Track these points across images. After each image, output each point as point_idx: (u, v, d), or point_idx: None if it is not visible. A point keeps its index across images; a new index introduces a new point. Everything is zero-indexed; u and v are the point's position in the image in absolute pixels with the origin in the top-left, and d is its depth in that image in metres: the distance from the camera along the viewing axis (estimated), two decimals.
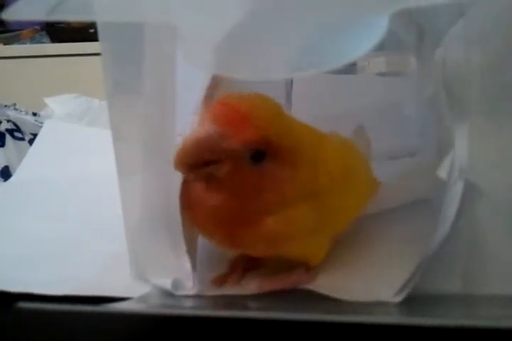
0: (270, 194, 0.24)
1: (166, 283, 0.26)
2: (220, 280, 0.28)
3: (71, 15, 0.22)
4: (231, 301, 0.26)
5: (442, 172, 0.24)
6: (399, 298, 0.24)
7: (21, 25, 1.39)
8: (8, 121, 0.57)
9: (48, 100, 0.67)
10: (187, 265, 0.27)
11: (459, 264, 0.25)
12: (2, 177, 0.51)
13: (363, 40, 0.20)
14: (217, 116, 0.22)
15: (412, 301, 0.24)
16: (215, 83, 0.26)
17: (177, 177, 0.25)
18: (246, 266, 0.28)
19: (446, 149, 0.25)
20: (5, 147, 0.55)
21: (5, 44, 1.37)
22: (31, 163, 0.50)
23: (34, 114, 0.62)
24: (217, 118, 0.22)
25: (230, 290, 0.27)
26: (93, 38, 0.24)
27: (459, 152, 0.24)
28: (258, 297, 0.26)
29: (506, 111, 0.25)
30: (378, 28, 0.20)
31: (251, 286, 0.27)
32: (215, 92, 0.27)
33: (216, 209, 0.24)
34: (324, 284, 0.27)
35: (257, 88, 0.24)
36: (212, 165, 0.23)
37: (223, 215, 0.24)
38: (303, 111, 0.40)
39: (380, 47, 0.24)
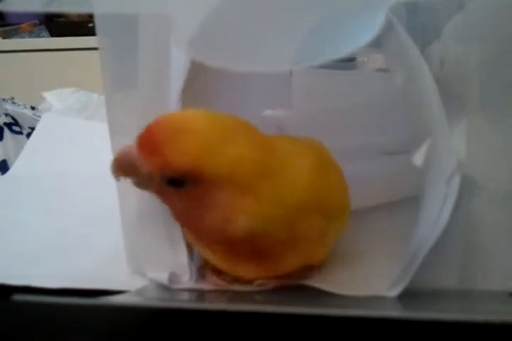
0: (212, 221, 0.23)
1: (163, 276, 0.26)
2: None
3: (67, 7, 0.21)
4: (228, 295, 0.26)
5: (418, 161, 0.24)
6: (394, 292, 0.24)
7: (20, 19, 1.39)
8: (7, 114, 0.57)
9: (46, 94, 0.67)
10: (184, 259, 0.27)
11: (457, 259, 0.25)
12: (0, 170, 0.51)
13: (361, 33, 0.20)
14: (141, 138, 0.22)
15: (410, 296, 0.24)
16: (196, 73, 0.26)
17: None
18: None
19: (420, 139, 0.25)
20: (3, 141, 0.54)
21: (4, 38, 1.37)
22: (29, 157, 0.49)
23: (32, 108, 0.62)
24: (140, 140, 0.22)
25: (230, 286, 0.27)
26: (92, 32, 0.24)
27: (457, 147, 0.24)
28: (256, 291, 0.26)
29: (504, 107, 0.25)
30: (375, 22, 0.20)
31: (255, 283, 0.27)
32: (197, 83, 0.27)
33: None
34: (323, 280, 0.27)
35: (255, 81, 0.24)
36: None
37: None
38: (303, 107, 0.40)
39: (380, 44, 0.24)
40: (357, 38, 0.20)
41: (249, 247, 0.24)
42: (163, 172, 0.22)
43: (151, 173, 0.22)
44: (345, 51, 0.20)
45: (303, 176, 0.24)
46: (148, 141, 0.22)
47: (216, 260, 0.26)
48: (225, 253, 0.25)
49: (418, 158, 0.25)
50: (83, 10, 0.22)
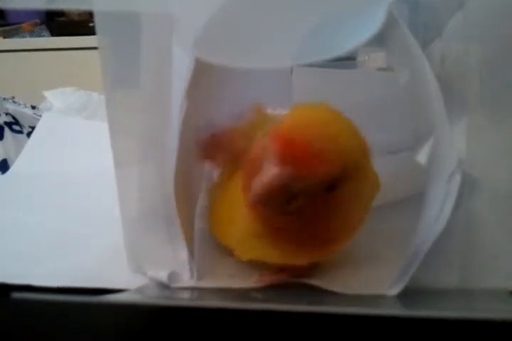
0: (338, 223, 0.24)
1: (163, 275, 0.26)
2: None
3: (68, 4, 0.21)
4: (227, 293, 0.26)
5: (421, 159, 0.25)
6: (394, 291, 0.24)
7: (21, 19, 1.39)
8: (7, 114, 0.57)
9: (47, 93, 0.67)
10: (184, 257, 0.27)
11: (457, 258, 0.25)
12: (0, 170, 0.51)
13: (361, 31, 0.20)
14: (285, 156, 0.21)
15: (410, 295, 0.24)
16: (200, 72, 0.26)
17: (173, 170, 0.25)
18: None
19: (424, 137, 0.25)
20: (3, 140, 0.54)
21: (4, 37, 1.37)
22: (29, 156, 0.49)
23: (33, 107, 0.62)
24: (287, 158, 0.21)
25: (228, 283, 0.27)
26: (93, 31, 0.24)
27: (457, 146, 0.24)
28: (257, 289, 0.26)
29: (505, 106, 0.25)
30: (376, 20, 0.20)
31: (250, 280, 0.27)
32: (201, 81, 0.27)
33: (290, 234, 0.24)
34: (323, 278, 0.27)
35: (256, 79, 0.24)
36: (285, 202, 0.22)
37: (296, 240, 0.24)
38: None
39: (380, 42, 0.24)
40: (357, 36, 0.20)
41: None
42: (327, 180, 0.22)
43: (313, 187, 0.22)
44: (345, 49, 0.20)
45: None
46: (303, 155, 0.21)
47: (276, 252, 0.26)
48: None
49: (422, 157, 0.25)
50: (83, 7, 0.22)
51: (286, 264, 0.26)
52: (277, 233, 0.24)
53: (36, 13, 1.40)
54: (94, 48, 0.24)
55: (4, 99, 0.60)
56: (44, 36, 1.39)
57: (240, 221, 0.26)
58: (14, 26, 1.38)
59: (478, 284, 0.25)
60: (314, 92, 0.42)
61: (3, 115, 0.56)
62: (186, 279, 0.27)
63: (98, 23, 0.24)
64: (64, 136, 0.51)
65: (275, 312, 0.21)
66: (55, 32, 1.38)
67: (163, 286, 0.26)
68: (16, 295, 0.20)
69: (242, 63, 0.22)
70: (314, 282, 0.26)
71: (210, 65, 0.22)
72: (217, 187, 0.31)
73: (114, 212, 0.28)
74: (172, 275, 0.26)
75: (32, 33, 1.38)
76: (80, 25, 1.30)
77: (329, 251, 0.26)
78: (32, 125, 0.56)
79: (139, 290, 0.25)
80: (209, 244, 0.30)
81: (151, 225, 0.27)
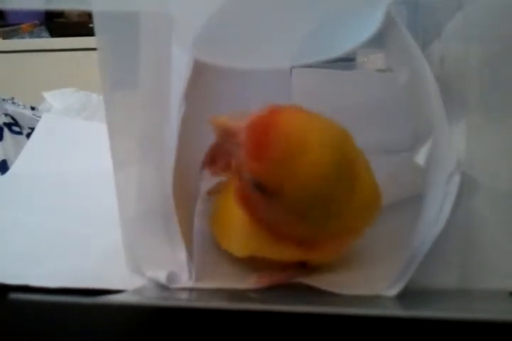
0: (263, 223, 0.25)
1: (161, 276, 0.26)
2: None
3: (67, 3, 0.21)
4: (226, 294, 0.26)
5: (420, 159, 0.25)
6: (393, 292, 0.24)
7: (21, 20, 1.39)
8: (6, 115, 0.57)
9: (46, 94, 0.67)
10: (182, 258, 0.27)
11: (457, 258, 0.25)
12: (0, 170, 0.51)
13: (359, 32, 0.20)
14: (253, 135, 0.21)
15: (409, 295, 0.24)
16: (199, 71, 0.26)
17: (172, 170, 0.25)
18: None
19: (423, 138, 0.25)
20: (3, 141, 0.54)
21: (4, 38, 1.37)
22: (29, 157, 0.49)
23: (32, 108, 0.62)
24: (252, 136, 0.21)
25: (227, 284, 0.27)
26: (92, 32, 0.24)
27: (457, 147, 0.24)
28: (255, 290, 0.26)
29: (505, 106, 0.25)
30: (374, 21, 0.20)
31: (248, 281, 0.27)
32: (200, 81, 0.27)
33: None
34: (321, 279, 0.27)
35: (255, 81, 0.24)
36: None
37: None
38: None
39: (379, 44, 0.24)
40: (356, 37, 0.20)
41: None
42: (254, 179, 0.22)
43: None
44: (344, 49, 0.20)
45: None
46: (264, 141, 0.21)
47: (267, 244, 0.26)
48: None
49: (420, 157, 0.25)
50: (82, 7, 0.22)
51: (283, 261, 0.26)
52: (268, 229, 0.25)
53: (35, 14, 1.40)
54: (94, 49, 0.24)
55: (4, 99, 0.60)
56: (43, 37, 1.39)
57: (237, 221, 0.26)
58: (13, 27, 1.38)
59: (478, 284, 0.25)
60: (313, 93, 0.42)
61: (3, 116, 0.56)
62: (185, 280, 0.27)
63: (97, 23, 0.23)
64: (63, 136, 0.51)
65: (273, 312, 0.21)
66: (55, 33, 1.39)
67: (162, 287, 0.26)
68: (14, 295, 0.20)
69: (241, 63, 0.22)
70: (312, 283, 0.26)
71: (209, 64, 0.22)
72: (220, 191, 0.31)
73: (114, 212, 0.28)
74: (171, 276, 0.26)
75: (31, 34, 1.39)
76: (80, 26, 1.30)
77: (319, 250, 0.26)
78: (31, 126, 0.56)
79: (138, 290, 0.25)
80: (208, 244, 0.30)
81: (150, 225, 0.27)
